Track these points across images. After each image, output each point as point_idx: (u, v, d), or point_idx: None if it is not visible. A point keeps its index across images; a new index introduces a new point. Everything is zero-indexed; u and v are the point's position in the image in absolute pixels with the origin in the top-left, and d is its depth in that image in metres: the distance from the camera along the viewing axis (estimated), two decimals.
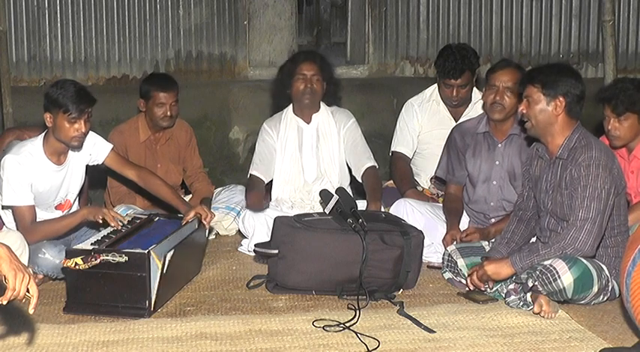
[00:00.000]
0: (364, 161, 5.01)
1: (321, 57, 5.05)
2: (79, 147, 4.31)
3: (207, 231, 4.50)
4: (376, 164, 5.05)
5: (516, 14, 7.08)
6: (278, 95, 5.12)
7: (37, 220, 4.28)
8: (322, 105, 5.04)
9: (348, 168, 5.10)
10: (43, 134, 4.29)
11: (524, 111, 3.94)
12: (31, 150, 4.24)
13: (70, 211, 4.50)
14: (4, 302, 2.63)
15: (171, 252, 4.01)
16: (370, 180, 4.95)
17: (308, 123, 5.02)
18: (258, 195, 4.82)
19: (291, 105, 5.06)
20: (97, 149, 4.45)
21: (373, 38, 7.05)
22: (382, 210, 4.82)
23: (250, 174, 5.06)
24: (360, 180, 5.03)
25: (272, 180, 5.07)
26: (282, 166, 5.02)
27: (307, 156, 5.02)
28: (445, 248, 4.42)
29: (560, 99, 3.87)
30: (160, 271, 3.89)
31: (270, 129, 5.05)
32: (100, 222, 4.18)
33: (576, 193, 3.83)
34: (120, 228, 4.17)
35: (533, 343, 3.56)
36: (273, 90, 5.17)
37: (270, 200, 4.96)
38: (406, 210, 4.73)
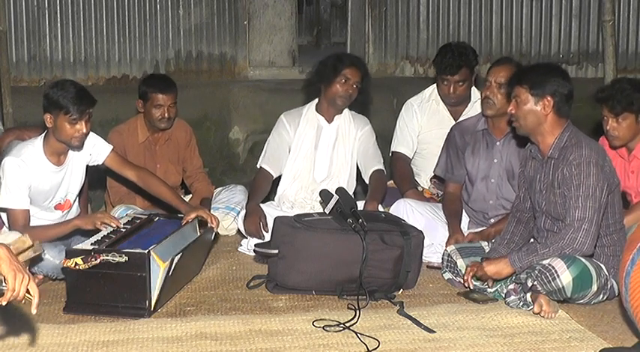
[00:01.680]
0: (373, 164, 5.02)
1: (365, 66, 5.07)
2: (79, 148, 4.31)
3: (214, 233, 4.50)
4: (384, 169, 5.06)
5: (516, 14, 7.08)
6: (309, 84, 5.10)
7: (37, 221, 4.28)
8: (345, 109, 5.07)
9: (357, 172, 5.11)
10: (43, 135, 4.29)
11: (513, 112, 3.95)
12: (31, 151, 4.24)
13: (70, 211, 4.50)
14: (4, 303, 2.63)
15: (179, 255, 4.01)
16: (374, 182, 4.97)
17: (329, 123, 5.03)
18: (256, 221, 4.79)
19: (314, 101, 5.06)
20: (97, 150, 4.45)
21: (373, 38, 7.05)
22: (382, 210, 4.82)
23: (260, 167, 5.06)
24: (367, 183, 5.05)
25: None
26: (294, 162, 5.01)
27: (322, 154, 5.02)
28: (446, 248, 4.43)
29: (548, 98, 3.88)
30: (164, 272, 3.90)
31: (289, 123, 5.05)
32: (103, 228, 4.15)
33: (570, 193, 3.84)
34: (120, 227, 4.17)
35: (533, 343, 3.56)
36: (307, 79, 5.15)
37: (266, 225, 4.87)
38: (406, 210, 4.73)
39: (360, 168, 5.09)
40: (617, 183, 3.99)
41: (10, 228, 4.23)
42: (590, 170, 3.81)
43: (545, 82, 3.89)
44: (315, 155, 5.02)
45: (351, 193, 4.75)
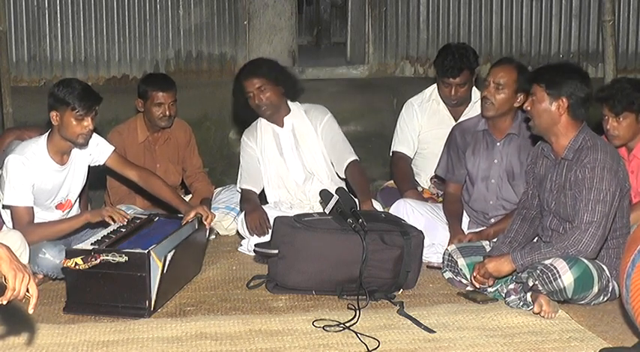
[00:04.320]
0: (346, 156, 4.94)
1: (260, 65, 4.91)
2: (84, 145, 4.32)
3: (207, 231, 4.51)
4: (357, 158, 4.97)
5: (516, 14, 7.08)
6: (243, 109, 5.03)
7: (37, 220, 4.28)
8: (293, 105, 4.98)
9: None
10: (47, 133, 4.30)
11: (529, 109, 3.94)
12: (35, 150, 4.25)
13: (71, 211, 4.50)
14: (4, 302, 2.63)
15: (172, 252, 4.01)
16: (355, 176, 4.89)
17: (282, 127, 4.97)
18: (258, 217, 4.75)
19: None
20: (99, 150, 4.46)
21: (373, 38, 7.05)
22: (382, 210, 4.82)
23: (241, 188, 5.02)
24: (343, 176, 4.97)
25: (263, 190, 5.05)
26: (268, 173, 4.98)
27: (290, 158, 4.98)
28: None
29: (564, 99, 3.87)
30: (160, 271, 3.90)
31: (249, 139, 5.03)
32: (109, 220, 4.18)
33: (581, 195, 3.83)
34: (121, 227, 4.18)
35: (533, 343, 3.56)
36: (237, 106, 5.11)
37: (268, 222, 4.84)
38: (406, 210, 4.73)
39: (332, 162, 5.00)
40: (628, 187, 3.98)
41: (15, 226, 4.24)
42: (603, 174, 3.80)
43: (562, 82, 3.87)
44: (285, 161, 4.97)
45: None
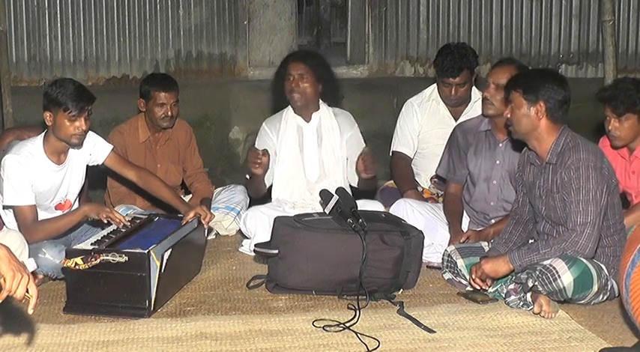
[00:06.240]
0: None
1: (312, 56, 4.95)
2: (79, 145, 4.32)
3: (205, 230, 4.50)
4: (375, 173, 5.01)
5: (516, 14, 7.08)
6: (276, 95, 5.05)
7: (39, 219, 4.28)
8: (323, 104, 4.98)
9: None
10: (43, 134, 4.30)
11: (509, 116, 3.95)
12: (32, 150, 4.25)
13: (70, 211, 4.50)
14: None
15: (169, 251, 4.01)
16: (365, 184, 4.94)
17: (308, 122, 4.96)
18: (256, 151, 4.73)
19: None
20: (97, 149, 4.45)
21: (373, 38, 7.05)
22: (382, 210, 4.81)
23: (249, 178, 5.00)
24: (355, 185, 4.96)
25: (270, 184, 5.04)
26: (282, 166, 4.95)
27: (309, 155, 4.96)
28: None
29: (541, 103, 3.87)
30: (157, 270, 3.89)
31: (270, 129, 4.97)
32: (105, 221, 4.19)
33: (570, 197, 3.83)
34: (120, 227, 4.18)
35: (533, 343, 3.56)
36: (272, 91, 5.11)
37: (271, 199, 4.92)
38: (406, 210, 4.73)
39: (350, 172, 4.96)
40: (615, 183, 3.98)
41: (19, 225, 4.24)
42: (589, 173, 3.81)
43: (538, 87, 3.88)
44: (303, 157, 4.95)
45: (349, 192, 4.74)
